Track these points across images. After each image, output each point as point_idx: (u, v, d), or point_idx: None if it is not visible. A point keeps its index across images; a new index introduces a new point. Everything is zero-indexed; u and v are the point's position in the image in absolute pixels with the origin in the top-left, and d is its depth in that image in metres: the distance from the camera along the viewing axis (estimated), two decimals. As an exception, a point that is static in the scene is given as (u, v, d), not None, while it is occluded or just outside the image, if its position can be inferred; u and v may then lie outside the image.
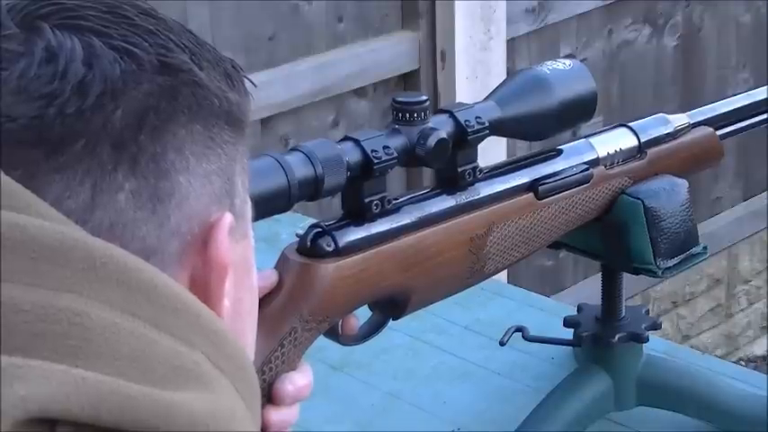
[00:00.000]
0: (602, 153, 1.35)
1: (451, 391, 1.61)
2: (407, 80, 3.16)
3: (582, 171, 1.32)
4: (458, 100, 2.93)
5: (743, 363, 4.08)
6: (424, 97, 1.16)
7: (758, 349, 4.21)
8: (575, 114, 1.28)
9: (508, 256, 1.25)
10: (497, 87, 1.26)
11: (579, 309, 1.53)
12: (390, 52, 3.10)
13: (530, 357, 1.64)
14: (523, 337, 1.57)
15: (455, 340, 1.72)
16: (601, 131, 1.38)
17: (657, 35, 3.70)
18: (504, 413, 1.54)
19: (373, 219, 1.13)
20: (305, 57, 2.96)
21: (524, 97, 1.25)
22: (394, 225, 1.15)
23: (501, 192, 1.24)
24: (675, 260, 1.37)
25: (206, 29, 2.77)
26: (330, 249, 1.10)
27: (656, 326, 1.50)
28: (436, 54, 3.14)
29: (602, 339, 1.48)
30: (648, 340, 1.48)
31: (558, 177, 1.29)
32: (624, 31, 3.62)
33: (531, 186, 1.28)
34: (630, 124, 1.39)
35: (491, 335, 1.67)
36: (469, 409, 1.58)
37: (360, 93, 3.10)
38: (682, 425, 1.51)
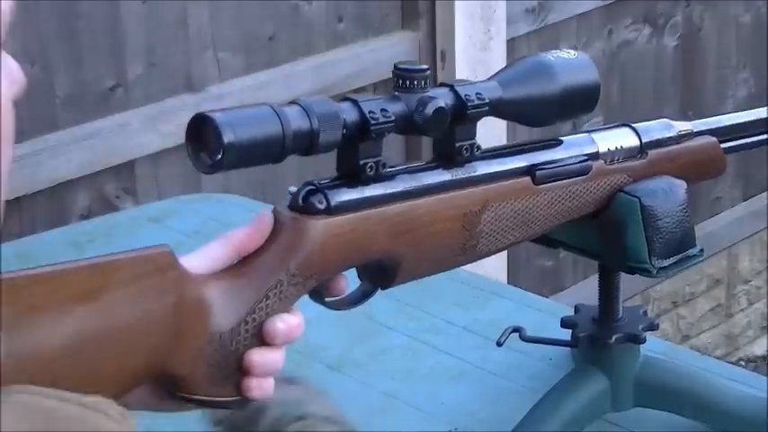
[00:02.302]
0: (602, 148, 1.34)
1: (449, 391, 1.61)
2: (407, 80, 3.15)
3: (581, 162, 1.31)
4: (457, 100, 2.92)
5: (743, 363, 4.07)
6: (425, 66, 1.16)
7: (758, 349, 4.20)
8: (576, 103, 1.26)
9: (502, 239, 1.25)
10: (501, 70, 1.25)
11: (576, 309, 1.53)
12: (390, 52, 3.09)
13: (527, 358, 1.64)
14: (521, 337, 1.56)
15: (453, 340, 1.72)
16: (603, 128, 1.37)
17: (657, 35, 3.70)
18: (500, 413, 1.54)
19: (367, 181, 1.12)
20: (305, 57, 2.96)
21: (527, 80, 1.23)
22: (387, 191, 1.14)
23: (498, 172, 1.23)
24: (671, 260, 1.37)
25: (206, 29, 2.77)
26: (322, 207, 1.09)
27: (653, 327, 1.49)
28: (436, 54, 3.14)
29: (599, 340, 1.48)
30: (645, 341, 1.48)
31: (556, 165, 1.29)
32: (624, 31, 3.62)
33: (529, 171, 1.26)
34: (633, 125, 1.38)
35: (489, 335, 1.66)
36: (467, 409, 1.58)
37: (360, 93, 3.10)
38: (679, 426, 1.51)
